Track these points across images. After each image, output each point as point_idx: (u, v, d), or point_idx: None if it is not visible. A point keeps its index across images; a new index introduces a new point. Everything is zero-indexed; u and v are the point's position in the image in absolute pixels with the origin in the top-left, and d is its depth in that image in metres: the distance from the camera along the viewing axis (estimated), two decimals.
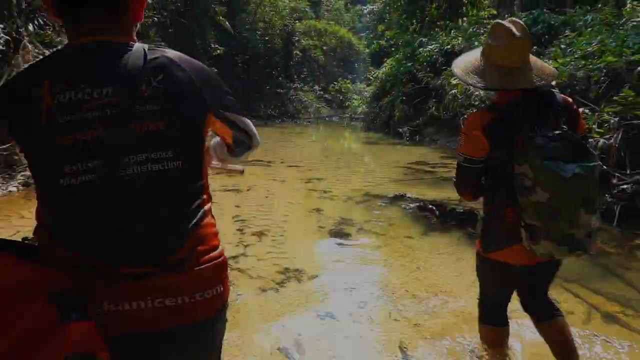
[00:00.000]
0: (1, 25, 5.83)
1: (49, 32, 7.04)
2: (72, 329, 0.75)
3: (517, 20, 1.73)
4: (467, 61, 1.85)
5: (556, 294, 3.03)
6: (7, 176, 5.73)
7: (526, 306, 2.01)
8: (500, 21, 1.74)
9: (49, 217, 0.90)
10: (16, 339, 0.72)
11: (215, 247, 0.98)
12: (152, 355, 0.90)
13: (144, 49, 0.93)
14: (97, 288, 0.84)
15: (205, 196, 0.99)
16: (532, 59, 1.78)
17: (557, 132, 1.61)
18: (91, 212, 0.86)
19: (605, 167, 5.27)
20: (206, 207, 0.98)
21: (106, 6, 0.93)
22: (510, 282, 1.94)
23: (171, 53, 0.98)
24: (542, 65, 1.78)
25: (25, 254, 0.83)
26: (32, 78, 0.89)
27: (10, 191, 5.45)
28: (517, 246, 1.72)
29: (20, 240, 0.90)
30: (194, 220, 0.93)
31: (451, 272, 3.31)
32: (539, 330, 1.99)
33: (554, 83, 6.80)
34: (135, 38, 1.00)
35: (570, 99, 1.78)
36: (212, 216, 1.01)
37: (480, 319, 2.10)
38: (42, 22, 6.90)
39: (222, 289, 0.98)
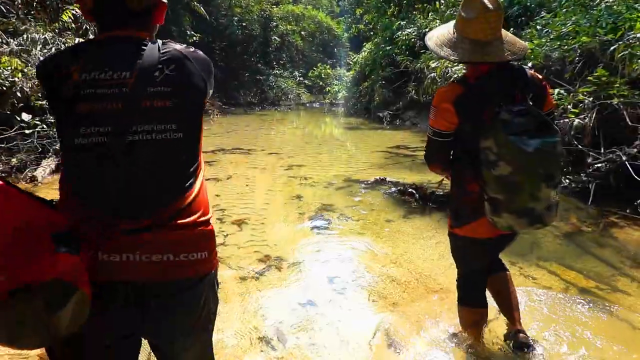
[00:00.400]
0: None
1: (13, 21, 6.74)
2: (61, 259, 0.87)
3: None
4: (440, 34, 1.85)
5: (533, 271, 3.09)
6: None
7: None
8: None
9: (66, 170, 1.05)
10: (16, 254, 0.86)
11: (205, 214, 1.10)
12: (134, 303, 1.01)
13: (158, 44, 1.12)
14: (96, 238, 0.96)
15: (199, 166, 1.13)
16: (504, 32, 1.77)
17: (523, 107, 1.63)
18: (98, 169, 1.00)
19: (580, 146, 5.30)
20: (200, 176, 1.12)
21: (134, 15, 1.13)
22: (481, 255, 1.99)
23: (180, 47, 1.15)
24: (513, 39, 1.78)
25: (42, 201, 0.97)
26: (71, 57, 1.07)
27: None
28: (482, 220, 1.76)
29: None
30: (188, 183, 1.07)
31: (431, 254, 3.33)
32: (489, 284, 2.11)
33: (530, 64, 6.87)
34: (153, 35, 1.19)
35: (539, 75, 1.80)
36: (205, 188, 1.15)
37: (459, 301, 2.12)
38: (4, 10, 6.60)
39: (207, 255, 1.09)
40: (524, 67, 1.81)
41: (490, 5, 1.66)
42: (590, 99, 5.51)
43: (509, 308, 2.15)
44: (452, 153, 1.89)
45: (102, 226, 0.97)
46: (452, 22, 1.85)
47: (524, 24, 10.18)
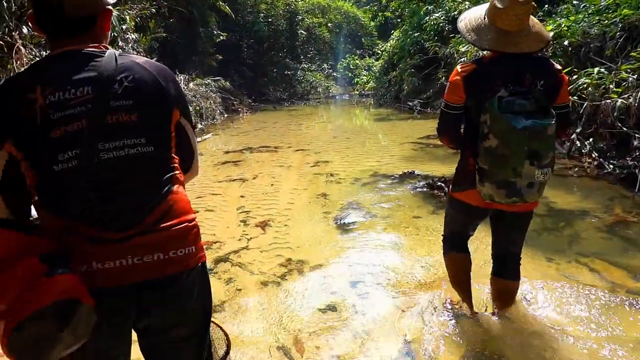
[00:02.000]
0: None
1: None
2: (58, 280, 0.92)
3: None
4: (472, 17, 1.99)
5: (572, 269, 2.87)
6: None
7: (493, 256, 2.27)
8: None
9: (45, 195, 1.05)
10: (9, 287, 0.91)
11: (186, 213, 1.15)
12: (135, 304, 1.08)
13: (114, 55, 1.12)
14: (87, 250, 1.01)
15: (176, 172, 1.17)
16: (532, 22, 1.89)
17: (524, 89, 1.78)
18: (79, 190, 1.02)
19: (624, 128, 4.98)
20: (177, 182, 1.17)
21: (78, 24, 1.11)
22: (470, 218, 2.19)
23: (139, 59, 1.17)
24: (539, 31, 1.89)
25: (17, 228, 1.03)
26: (24, 84, 1.05)
27: None
28: (475, 189, 1.93)
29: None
30: (164, 190, 1.12)
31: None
32: (490, 280, 2.30)
33: (567, 42, 6.45)
34: (106, 44, 1.19)
35: (558, 67, 1.89)
36: (184, 190, 1.20)
37: (444, 253, 2.38)
38: None
39: (193, 250, 1.14)
40: (545, 57, 1.89)
41: None
42: (635, 76, 5.11)
43: (502, 305, 2.33)
44: (462, 128, 2.02)
45: (90, 238, 1.02)
46: (486, 5, 1.95)
47: (559, 0, 9.62)
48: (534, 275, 2.78)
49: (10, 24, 5.95)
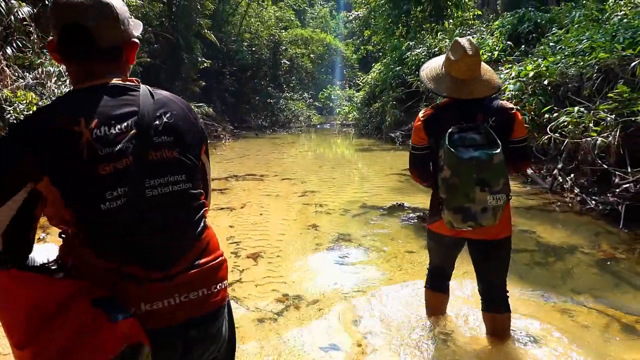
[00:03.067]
0: None
1: (29, 55, 6.84)
2: (121, 326, 0.90)
3: (471, 40, 2.10)
4: (432, 67, 2.26)
5: (569, 306, 2.89)
6: None
7: (480, 293, 2.37)
8: (458, 39, 2.11)
9: (89, 235, 0.99)
10: (66, 336, 0.87)
11: (217, 248, 1.18)
12: (186, 342, 1.06)
13: (148, 89, 1.11)
14: (134, 292, 0.98)
15: (206, 208, 1.19)
16: (484, 71, 2.15)
17: (471, 125, 2.00)
18: (126, 229, 0.99)
19: (605, 166, 5.16)
20: (207, 216, 1.19)
21: (108, 54, 1.08)
22: (443, 248, 2.37)
23: (168, 93, 1.17)
24: (490, 77, 2.15)
25: (43, 271, 1.01)
26: (66, 115, 0.98)
27: None
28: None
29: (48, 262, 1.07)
30: (200, 227, 1.13)
31: (458, 289, 3.14)
32: (482, 317, 2.40)
33: (546, 82, 6.73)
34: (128, 77, 1.15)
35: (509, 105, 2.13)
36: (210, 225, 1.21)
37: (425, 284, 2.59)
38: (20, 45, 6.71)
39: (227, 283, 1.18)
40: (497, 97, 2.20)
41: (470, 52, 2.05)
42: (613, 116, 5.34)
43: (498, 342, 2.39)
44: (430, 166, 2.24)
45: (136, 279, 0.99)
46: (444, 56, 2.21)
47: (535, 41, 10.09)
48: (530, 312, 2.78)
49: None
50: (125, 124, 1.02)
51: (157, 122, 1.07)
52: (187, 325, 1.05)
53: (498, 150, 1.89)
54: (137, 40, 1.16)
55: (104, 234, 0.99)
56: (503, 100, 2.20)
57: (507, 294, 2.32)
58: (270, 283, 3.38)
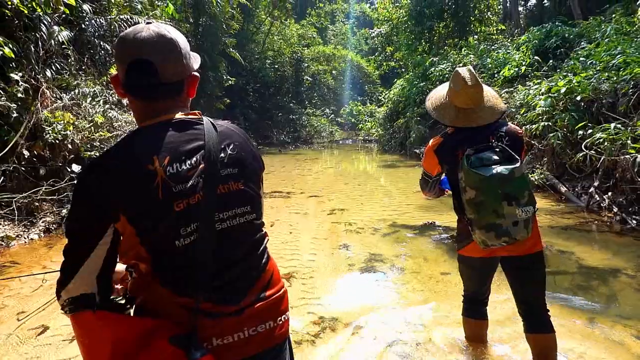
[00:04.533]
0: (20, 74, 5.88)
1: (66, 77, 7.10)
2: None
3: (471, 69, 2.13)
4: (437, 97, 2.30)
5: (617, 333, 2.77)
6: (28, 224, 5.68)
7: (520, 314, 2.29)
8: (458, 69, 2.13)
9: (163, 271, 1.00)
10: None
11: (280, 279, 1.18)
12: None
13: (211, 122, 1.12)
14: (206, 327, 0.99)
15: (267, 238, 1.20)
16: (487, 97, 2.17)
17: (487, 145, 2.03)
18: (198, 264, 0.99)
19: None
20: (268, 246, 1.20)
21: (172, 89, 1.10)
22: (477, 272, 2.35)
23: (228, 124, 1.18)
24: (493, 104, 2.17)
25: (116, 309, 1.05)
26: (140, 154, 0.99)
27: (32, 239, 5.38)
28: (474, 241, 2.06)
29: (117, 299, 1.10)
30: (265, 258, 1.14)
31: (497, 312, 3.06)
32: (526, 339, 2.29)
33: (579, 98, 6.59)
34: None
35: (517, 129, 2.18)
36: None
37: (462, 312, 2.54)
38: (58, 67, 6.98)
39: (289, 314, 1.18)
40: (505, 122, 2.22)
41: (469, 82, 2.07)
42: None
43: None
44: (444, 191, 2.40)
45: (208, 314, 1.00)
46: (447, 85, 2.24)
47: (563, 56, 9.94)
48: (577, 341, 2.68)
49: (37, 67, 6.07)
50: (194, 159, 1.03)
51: (222, 154, 1.08)
52: (256, 359, 1.05)
53: (518, 164, 1.92)
54: (197, 74, 1.17)
55: (178, 270, 0.99)
56: (510, 123, 2.23)
57: (549, 313, 2.25)
58: (305, 305, 3.35)
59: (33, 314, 3.23)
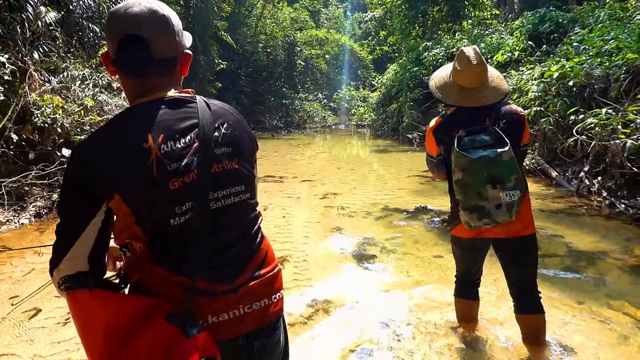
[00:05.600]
0: (6, 56, 5.75)
1: (54, 59, 6.97)
2: (196, 340, 0.91)
3: (476, 49, 2.13)
4: (440, 76, 2.29)
5: (605, 312, 2.83)
6: (18, 208, 5.63)
7: (511, 295, 2.35)
8: (463, 48, 2.14)
9: (159, 250, 1.00)
10: (144, 353, 0.89)
11: (274, 258, 1.18)
12: (249, 353, 1.06)
13: (204, 101, 1.11)
14: (202, 305, 0.99)
15: (261, 217, 1.20)
16: (491, 77, 2.17)
17: (481, 127, 2.04)
18: (196, 244, 0.98)
19: (635, 169, 5.05)
20: (262, 225, 1.20)
21: (164, 66, 1.08)
22: (467, 253, 2.39)
23: (222, 103, 1.17)
24: (497, 85, 2.17)
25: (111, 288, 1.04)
26: (135, 132, 0.98)
27: (22, 223, 5.34)
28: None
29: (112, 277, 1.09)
30: (259, 237, 1.14)
31: (491, 293, 3.11)
32: (516, 319, 2.36)
33: (571, 83, 6.61)
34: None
35: (517, 109, 2.15)
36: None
37: (454, 293, 2.59)
38: (46, 49, 6.84)
39: (283, 292, 1.18)
40: (506, 102, 2.20)
41: (474, 61, 2.08)
42: None
43: (534, 347, 2.38)
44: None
45: (204, 292, 0.99)
46: (451, 65, 2.23)
47: (556, 41, 9.93)
48: (566, 320, 2.73)
49: (24, 49, 5.94)
50: (188, 137, 1.02)
51: (216, 133, 1.07)
52: (251, 337, 1.05)
53: (506, 148, 1.92)
54: (190, 52, 1.15)
55: (173, 249, 0.99)
56: (512, 104, 2.22)
57: (540, 295, 2.30)
58: (298, 287, 3.38)
59: (27, 298, 3.23)
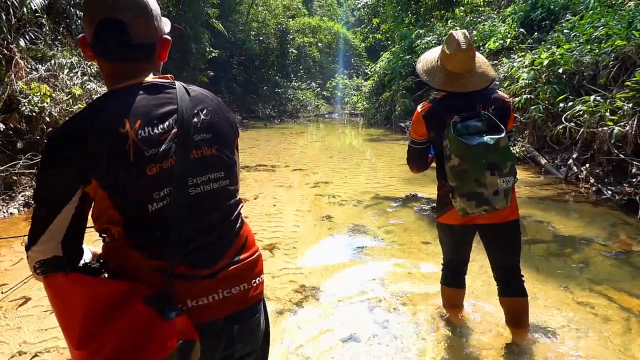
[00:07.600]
0: None
1: (41, 47, 6.86)
2: (174, 323, 0.92)
3: (466, 33, 2.10)
4: (428, 60, 2.28)
5: (587, 297, 2.89)
6: (7, 198, 5.59)
7: (495, 279, 2.41)
8: (453, 32, 2.10)
9: (136, 236, 0.99)
10: (122, 336, 0.90)
11: (254, 243, 1.20)
12: (229, 336, 1.07)
13: (183, 86, 1.10)
14: (181, 289, 0.99)
15: (241, 204, 1.22)
16: (479, 63, 2.17)
17: (473, 113, 2.04)
18: (174, 229, 0.98)
19: (621, 155, 5.09)
20: (242, 211, 1.21)
21: (142, 51, 1.07)
22: (455, 239, 2.40)
23: (201, 89, 1.16)
24: (484, 70, 2.17)
25: (88, 272, 1.03)
26: (111, 117, 0.97)
27: (11, 213, 5.31)
28: (453, 208, 2.13)
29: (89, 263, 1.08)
30: (239, 222, 1.15)
31: (478, 278, 3.15)
32: (500, 302, 2.42)
33: (561, 70, 6.63)
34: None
35: (505, 96, 2.19)
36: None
37: (441, 280, 2.61)
38: (32, 37, 6.73)
39: (263, 277, 1.20)
40: (493, 89, 2.21)
41: (464, 46, 2.06)
42: (630, 105, 5.26)
43: (516, 330, 2.44)
44: (433, 158, 2.33)
45: (182, 276, 1.00)
46: (439, 49, 2.22)
47: (548, 28, 9.92)
48: (549, 304, 2.79)
49: (9, 36, 5.85)
50: (167, 123, 1.02)
51: (195, 119, 1.06)
52: (230, 320, 1.07)
53: (503, 134, 1.94)
54: (169, 37, 1.15)
55: (151, 234, 0.99)
56: (499, 90, 2.24)
57: (523, 279, 2.35)
58: (287, 274, 3.40)
59: (17, 286, 3.22)
